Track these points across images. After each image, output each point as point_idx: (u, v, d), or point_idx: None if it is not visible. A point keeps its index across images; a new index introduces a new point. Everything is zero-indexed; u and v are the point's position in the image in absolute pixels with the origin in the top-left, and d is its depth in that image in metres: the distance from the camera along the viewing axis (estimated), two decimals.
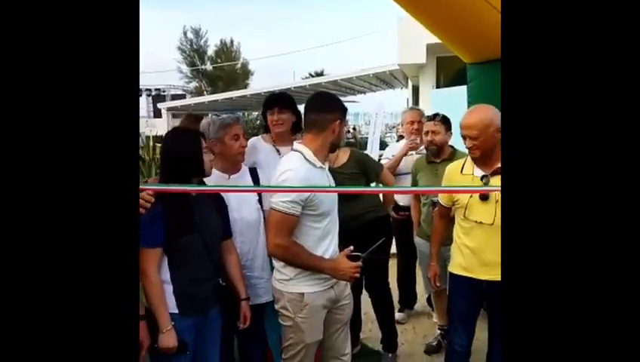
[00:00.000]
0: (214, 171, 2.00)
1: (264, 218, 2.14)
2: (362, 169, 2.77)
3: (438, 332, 3.14)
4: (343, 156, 2.77)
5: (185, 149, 1.79)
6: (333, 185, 2.04)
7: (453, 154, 2.80)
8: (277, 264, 1.93)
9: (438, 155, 2.82)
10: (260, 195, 2.19)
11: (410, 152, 3.25)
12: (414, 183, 2.96)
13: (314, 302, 1.87)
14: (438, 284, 2.41)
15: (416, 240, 3.01)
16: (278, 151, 2.50)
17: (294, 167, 1.83)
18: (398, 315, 3.53)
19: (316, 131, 1.88)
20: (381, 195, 3.08)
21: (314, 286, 1.87)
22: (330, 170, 2.66)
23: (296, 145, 1.93)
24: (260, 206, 2.19)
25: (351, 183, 2.70)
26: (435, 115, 2.84)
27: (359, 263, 1.87)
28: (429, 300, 3.54)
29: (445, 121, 2.81)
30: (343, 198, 2.59)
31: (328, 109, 1.90)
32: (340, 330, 2.04)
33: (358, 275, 1.87)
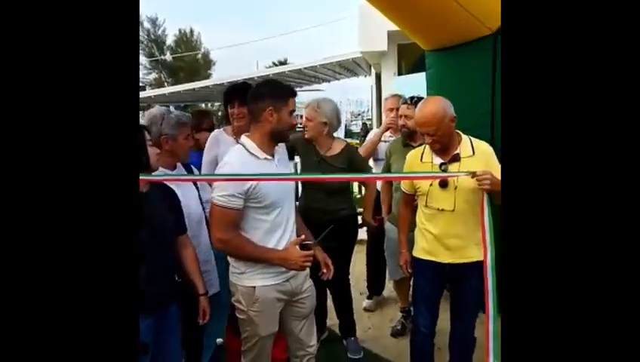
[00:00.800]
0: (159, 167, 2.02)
1: (204, 211, 2.21)
2: (350, 164, 2.73)
3: (400, 314, 3.23)
4: (336, 146, 2.74)
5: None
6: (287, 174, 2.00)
7: None
8: (230, 258, 1.92)
9: (414, 139, 2.82)
10: (199, 191, 2.22)
11: (389, 136, 3.24)
12: (387, 167, 2.95)
13: (266, 295, 1.86)
14: (409, 271, 2.40)
15: (387, 225, 3.03)
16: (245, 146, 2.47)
17: (230, 160, 1.83)
18: (366, 303, 3.58)
19: (254, 122, 1.88)
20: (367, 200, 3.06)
21: (265, 280, 1.86)
22: (321, 157, 2.67)
23: (243, 137, 1.92)
24: (200, 201, 2.23)
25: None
26: (411, 98, 2.85)
27: (310, 252, 1.85)
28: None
29: (416, 105, 2.79)
30: (321, 193, 2.65)
31: (258, 98, 1.86)
32: (303, 323, 2.05)
33: (309, 264, 1.84)
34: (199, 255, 2.12)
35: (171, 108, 2.26)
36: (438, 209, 2.12)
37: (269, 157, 1.88)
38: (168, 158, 2.11)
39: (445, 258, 2.15)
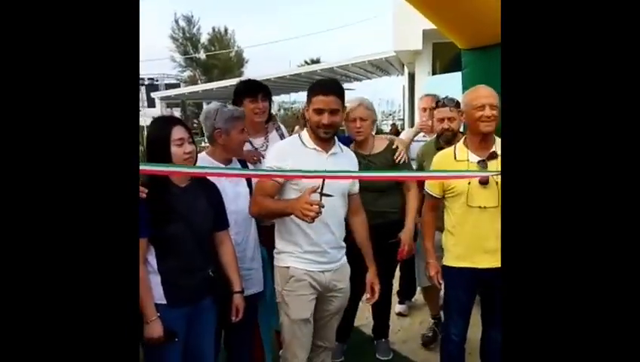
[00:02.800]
0: (212, 161, 2.07)
1: None
2: (394, 164, 2.63)
3: (432, 321, 3.13)
4: (379, 144, 2.67)
5: (153, 137, 1.79)
6: (332, 169, 1.93)
7: None
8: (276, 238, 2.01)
9: (451, 143, 2.59)
10: (251, 188, 2.16)
11: (423, 136, 3.14)
12: (419, 170, 2.82)
13: (298, 276, 1.92)
14: (440, 282, 2.23)
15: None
16: (251, 143, 2.42)
17: (279, 142, 2.05)
18: (400, 307, 3.50)
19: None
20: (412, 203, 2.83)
21: (297, 263, 1.93)
22: (363, 156, 2.59)
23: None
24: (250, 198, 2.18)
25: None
26: (450, 100, 2.71)
27: (316, 201, 1.68)
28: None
29: (459, 106, 2.60)
30: (369, 194, 2.44)
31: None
32: (327, 319, 2.07)
33: (313, 214, 1.67)
34: (246, 252, 2.13)
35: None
36: (480, 206, 2.02)
37: (317, 148, 1.95)
38: (222, 153, 2.11)
39: (482, 262, 2.05)
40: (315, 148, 1.95)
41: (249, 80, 2.62)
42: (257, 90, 2.43)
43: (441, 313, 2.93)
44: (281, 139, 2.56)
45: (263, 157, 2.28)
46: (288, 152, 1.93)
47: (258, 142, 2.49)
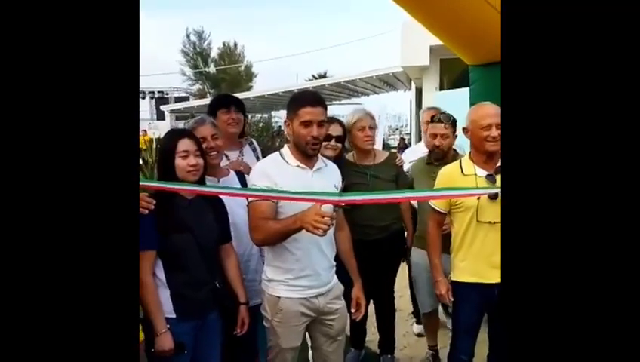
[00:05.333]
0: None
1: None
2: (396, 175, 2.67)
3: (431, 353, 2.94)
4: (380, 155, 2.72)
5: (162, 149, 1.82)
6: (317, 189, 1.80)
7: (455, 158, 2.62)
8: (266, 263, 1.93)
9: (443, 160, 2.61)
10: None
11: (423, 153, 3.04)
12: (410, 188, 2.72)
13: (289, 307, 1.84)
14: (451, 299, 2.16)
15: (414, 252, 2.73)
16: (227, 156, 2.36)
17: (260, 161, 1.91)
18: (417, 328, 3.39)
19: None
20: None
21: (290, 292, 1.84)
22: (367, 166, 2.63)
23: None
24: None
25: (385, 189, 2.54)
26: (446, 117, 2.65)
27: (328, 213, 1.62)
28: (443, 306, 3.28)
29: (454, 124, 2.65)
30: (372, 207, 2.45)
31: (287, 110, 1.85)
32: (330, 343, 1.99)
33: (324, 226, 1.57)
34: (249, 263, 2.12)
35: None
36: (490, 222, 2.01)
37: (301, 165, 1.84)
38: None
39: (492, 277, 2.02)
40: (298, 166, 1.84)
41: (223, 94, 2.68)
42: (230, 103, 2.44)
43: (439, 344, 2.88)
44: (254, 153, 2.57)
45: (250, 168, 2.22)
46: (271, 171, 1.80)
47: (233, 155, 2.47)
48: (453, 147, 2.75)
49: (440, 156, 2.65)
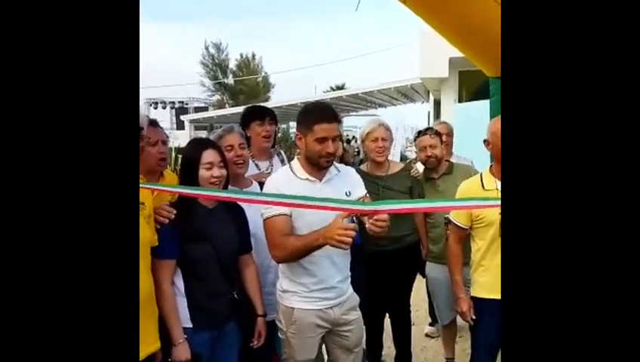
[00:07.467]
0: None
1: None
2: (411, 187, 2.67)
3: None
4: (394, 166, 2.72)
5: (185, 159, 1.84)
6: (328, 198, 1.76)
7: (452, 168, 2.74)
8: (280, 275, 1.92)
9: (437, 170, 2.73)
10: None
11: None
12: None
13: (304, 319, 1.83)
14: (473, 317, 2.13)
15: (429, 266, 2.75)
16: (257, 166, 2.39)
17: (272, 176, 1.94)
18: (428, 329, 3.51)
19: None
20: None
21: (304, 304, 1.83)
22: (380, 177, 2.63)
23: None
24: None
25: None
26: (428, 129, 2.82)
27: (352, 225, 1.62)
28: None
29: (438, 134, 2.78)
30: (392, 217, 2.41)
31: (298, 123, 1.87)
32: (347, 355, 1.96)
33: (348, 239, 1.57)
34: (268, 275, 2.10)
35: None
36: None
37: (310, 178, 1.84)
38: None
39: None
40: (307, 179, 1.83)
41: (257, 105, 2.67)
42: (264, 115, 2.44)
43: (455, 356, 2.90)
44: (282, 164, 2.58)
45: None
46: (280, 184, 1.81)
47: (263, 165, 2.49)
48: (452, 159, 2.87)
49: (435, 165, 2.73)
